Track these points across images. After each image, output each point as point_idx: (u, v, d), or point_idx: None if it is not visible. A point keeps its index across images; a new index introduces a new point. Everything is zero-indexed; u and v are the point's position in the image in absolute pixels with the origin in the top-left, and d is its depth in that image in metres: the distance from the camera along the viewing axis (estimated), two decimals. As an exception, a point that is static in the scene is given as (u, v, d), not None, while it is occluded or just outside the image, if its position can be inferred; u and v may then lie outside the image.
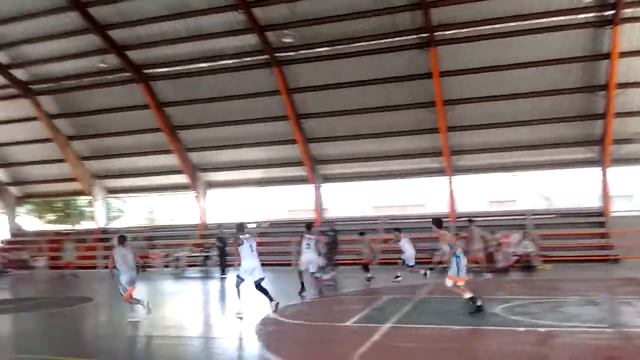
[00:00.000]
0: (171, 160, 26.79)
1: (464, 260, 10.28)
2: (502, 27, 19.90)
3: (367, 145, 24.40)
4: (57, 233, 30.99)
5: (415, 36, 20.79)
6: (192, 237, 26.67)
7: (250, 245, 11.19)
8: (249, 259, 11.13)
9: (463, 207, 24.64)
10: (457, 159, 23.56)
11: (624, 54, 19.36)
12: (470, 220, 18.72)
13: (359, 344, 8.09)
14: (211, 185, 27.95)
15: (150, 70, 24.29)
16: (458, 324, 9.48)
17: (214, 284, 18.64)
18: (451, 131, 22.68)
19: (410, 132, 23.41)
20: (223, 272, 20.81)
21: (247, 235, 11.41)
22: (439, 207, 24.86)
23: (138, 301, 11.06)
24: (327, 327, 9.88)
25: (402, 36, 20.90)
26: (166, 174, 27.80)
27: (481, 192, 26.71)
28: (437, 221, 10.93)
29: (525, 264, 19.12)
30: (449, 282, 10.32)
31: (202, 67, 23.62)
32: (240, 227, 11.50)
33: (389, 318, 10.06)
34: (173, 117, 25.66)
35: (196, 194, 27.30)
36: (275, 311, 10.87)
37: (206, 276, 20.81)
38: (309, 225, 15.20)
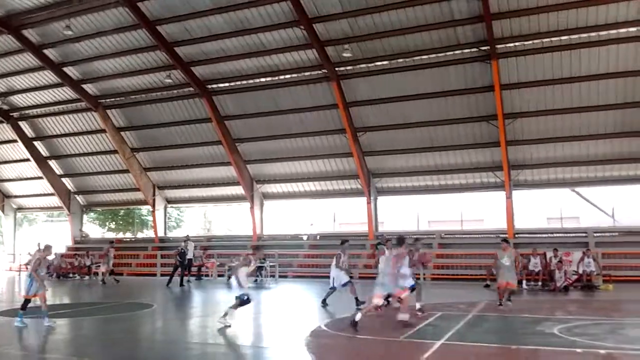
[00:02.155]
0: (229, 171, 27.46)
1: None
2: (564, 40, 19.54)
3: (424, 159, 24.26)
4: (118, 240, 32.28)
5: (476, 49, 20.65)
6: (247, 248, 27.07)
7: None
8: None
9: (521, 224, 23.95)
10: (516, 173, 23.01)
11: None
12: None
13: (411, 360, 7.99)
14: (266, 196, 28.40)
15: (213, 85, 25.10)
16: (513, 343, 9.22)
17: (266, 294, 18.90)
18: (511, 145, 22.22)
19: (469, 145, 23.13)
20: (181, 283, 21.23)
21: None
22: (497, 223, 24.24)
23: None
24: (379, 342, 9.81)
25: (463, 49, 20.82)
26: (224, 185, 28.53)
27: (540, 208, 25.90)
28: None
29: (586, 283, 18.40)
30: None
31: (262, 81, 24.22)
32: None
33: (442, 334, 9.91)
34: (233, 130, 26.32)
35: (251, 205, 27.81)
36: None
37: (259, 286, 21.12)
38: (342, 241, 15.04)
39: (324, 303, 14.28)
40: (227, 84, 24.95)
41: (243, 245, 27.37)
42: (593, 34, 19.12)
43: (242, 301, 11.33)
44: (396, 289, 10.89)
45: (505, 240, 14.15)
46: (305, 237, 28.01)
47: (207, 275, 24.51)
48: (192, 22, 22.20)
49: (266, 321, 13.23)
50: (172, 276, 21.83)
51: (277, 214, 29.80)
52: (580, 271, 18.86)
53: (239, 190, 28.02)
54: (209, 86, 25.13)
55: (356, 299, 13.66)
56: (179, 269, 21.80)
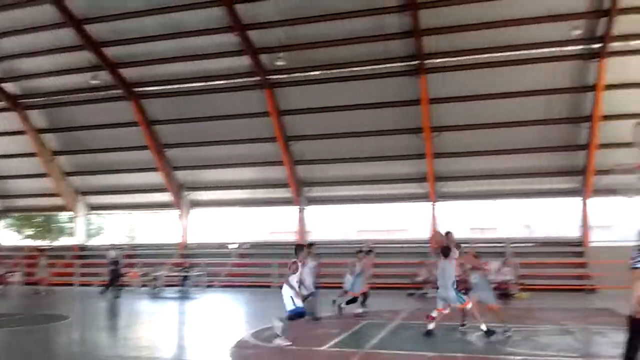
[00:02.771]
0: (156, 178, 26.70)
1: None
2: (490, 57, 20.46)
3: (353, 169, 24.65)
4: (35, 248, 30.59)
5: (406, 63, 21.25)
6: (172, 257, 26.52)
7: None
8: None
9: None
10: (441, 185, 23.81)
11: (609, 87, 19.91)
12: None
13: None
14: (195, 204, 27.87)
15: (142, 89, 24.37)
16: (433, 350, 9.49)
17: (191, 305, 18.48)
18: (436, 157, 23.01)
19: (397, 157, 23.74)
20: (117, 294, 20.66)
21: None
22: (422, 233, 25.00)
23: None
24: (303, 352, 9.82)
25: (393, 62, 21.39)
26: (150, 192, 27.63)
27: (463, 219, 26.92)
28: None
29: (503, 292, 19.19)
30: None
31: (193, 86, 23.78)
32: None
33: (365, 343, 10.05)
34: (161, 135, 25.68)
35: (179, 213, 27.19)
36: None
37: (184, 297, 20.64)
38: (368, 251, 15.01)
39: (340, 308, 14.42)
40: (156, 88, 24.27)
41: (169, 254, 26.74)
42: (516, 53, 20.15)
43: (298, 314, 10.35)
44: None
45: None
46: (233, 246, 27.68)
47: (127, 286, 23.50)
48: (122, 22, 21.49)
49: (190, 332, 12.92)
50: (108, 286, 20.85)
51: (206, 222, 29.31)
52: (498, 280, 19.66)
53: (166, 197, 27.30)
54: (138, 89, 24.36)
55: (312, 313, 12.95)
56: (115, 279, 20.90)
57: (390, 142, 23.45)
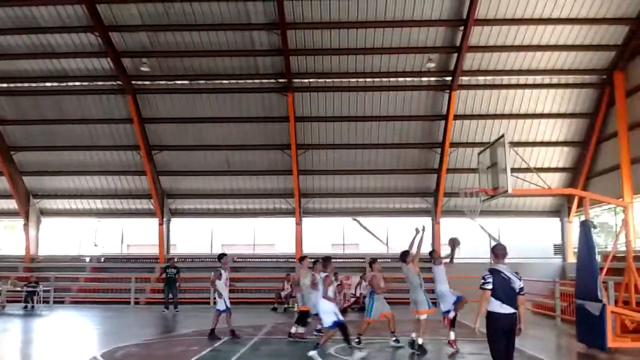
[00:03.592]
0: (0, 183, 24.32)
1: None
2: (354, 82, 21.47)
3: (220, 182, 24.43)
4: None
5: (275, 80, 21.55)
6: (17, 270, 24.21)
7: None
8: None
9: (309, 249, 25.35)
10: (306, 201, 24.37)
11: (457, 117, 21.76)
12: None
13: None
14: (45, 213, 25.76)
15: (-14, 85, 22.12)
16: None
17: (37, 323, 16.91)
18: (302, 174, 23.53)
19: (264, 172, 23.93)
20: None
21: None
22: (287, 248, 25.34)
23: None
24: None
25: (262, 79, 21.61)
26: (-8, 198, 25.10)
27: (326, 235, 27.78)
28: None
29: (362, 305, 19.97)
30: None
31: (47, 86, 22.18)
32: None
33: (225, 360, 9.92)
34: (8, 136, 23.51)
35: (25, 222, 24.92)
36: None
37: (29, 314, 18.88)
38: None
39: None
40: (5, 85, 22.22)
41: (13, 267, 24.36)
42: (377, 79, 21.36)
43: (338, 324, 9.98)
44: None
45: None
46: (87, 259, 25.92)
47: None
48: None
49: (36, 352, 11.84)
50: None
51: (58, 232, 27.09)
52: (358, 294, 20.52)
53: (10, 204, 24.92)
54: (-19, 85, 22.09)
55: (232, 331, 12.32)
56: None
57: (258, 156, 23.61)
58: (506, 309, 6.58)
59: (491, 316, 6.60)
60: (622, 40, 19.45)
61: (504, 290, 6.62)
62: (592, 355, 10.77)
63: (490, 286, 6.61)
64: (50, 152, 23.80)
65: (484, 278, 6.70)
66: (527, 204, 24.30)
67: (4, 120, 23.07)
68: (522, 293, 6.74)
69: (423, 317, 10.84)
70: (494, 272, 6.72)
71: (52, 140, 23.42)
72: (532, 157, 22.14)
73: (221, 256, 12.79)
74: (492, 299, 6.60)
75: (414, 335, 10.99)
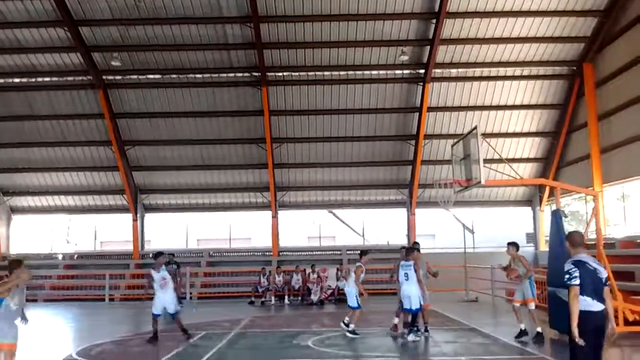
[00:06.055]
0: (-33, 181, 23.81)
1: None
2: (327, 75, 21.46)
3: (195, 177, 24.24)
4: None
5: (248, 74, 21.45)
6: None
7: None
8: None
9: (285, 242, 25.40)
10: (281, 194, 24.34)
11: (431, 109, 21.93)
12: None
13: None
14: (15, 210, 25.26)
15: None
16: (268, 359, 9.67)
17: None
18: (277, 168, 23.48)
19: (239, 166, 23.83)
20: None
21: None
22: (264, 241, 25.29)
23: None
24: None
25: (236, 72, 21.48)
26: (-41, 196, 24.51)
27: (302, 228, 27.82)
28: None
29: (339, 297, 20.12)
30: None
31: (15, 82, 21.73)
32: None
33: (202, 355, 9.89)
34: (-26, 133, 22.93)
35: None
36: None
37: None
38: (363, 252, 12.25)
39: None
40: (-30, 81, 21.69)
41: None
42: (351, 72, 21.38)
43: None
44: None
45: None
46: (60, 257, 25.51)
47: None
48: None
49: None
50: None
51: (30, 230, 26.61)
52: (334, 286, 20.61)
53: (-21, 202, 24.38)
54: (-55, 81, 21.49)
55: (184, 330, 11.69)
56: None
57: (233, 151, 23.48)
58: (597, 306, 5.60)
59: (580, 316, 5.54)
60: (591, 31, 19.79)
61: (593, 283, 5.63)
62: (564, 341, 10.98)
63: (578, 281, 5.60)
64: (20, 148, 23.31)
65: (569, 272, 5.69)
66: (499, 194, 24.67)
67: (-30, 117, 22.49)
68: (607, 284, 5.75)
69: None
70: (578, 263, 5.70)
71: (23, 137, 22.94)
72: (505, 148, 22.47)
73: (156, 255, 11.79)
74: (580, 295, 5.60)
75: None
